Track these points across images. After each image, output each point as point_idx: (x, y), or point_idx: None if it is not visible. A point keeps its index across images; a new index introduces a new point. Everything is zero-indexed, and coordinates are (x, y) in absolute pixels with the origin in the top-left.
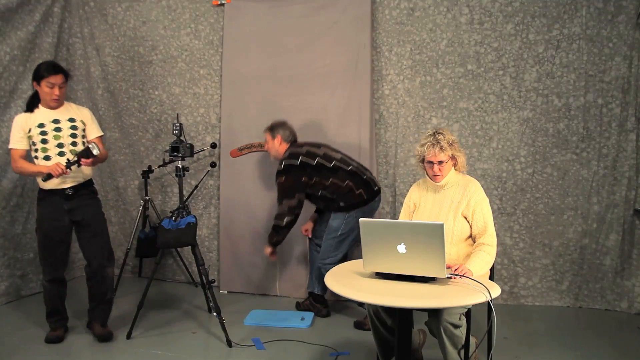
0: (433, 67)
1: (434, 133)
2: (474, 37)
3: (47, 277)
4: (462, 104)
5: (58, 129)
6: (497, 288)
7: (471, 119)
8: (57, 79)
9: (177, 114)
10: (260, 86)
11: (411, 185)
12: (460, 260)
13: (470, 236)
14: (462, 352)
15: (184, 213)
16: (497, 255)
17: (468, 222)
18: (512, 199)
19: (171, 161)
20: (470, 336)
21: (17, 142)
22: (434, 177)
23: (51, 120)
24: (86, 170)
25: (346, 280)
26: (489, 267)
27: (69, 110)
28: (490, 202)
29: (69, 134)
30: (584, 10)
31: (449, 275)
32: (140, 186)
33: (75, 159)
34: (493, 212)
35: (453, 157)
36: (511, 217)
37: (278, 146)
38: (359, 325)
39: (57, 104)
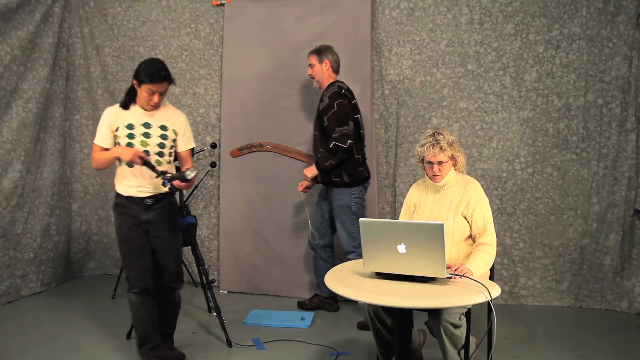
0: (433, 67)
1: (434, 133)
2: (474, 37)
3: (135, 289)
4: (462, 104)
5: (147, 135)
6: (497, 288)
7: (471, 119)
8: (160, 87)
9: None
10: (260, 86)
11: (411, 185)
12: (460, 260)
13: (470, 236)
14: (462, 352)
15: (184, 213)
16: (497, 255)
17: (468, 222)
18: (512, 199)
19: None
20: (470, 336)
21: (102, 139)
22: (433, 178)
23: (142, 123)
24: None
25: (346, 280)
26: (489, 267)
27: (164, 115)
28: (490, 202)
29: (157, 142)
30: (584, 10)
31: (449, 275)
32: None
33: (169, 176)
34: (493, 212)
35: (453, 157)
36: (511, 217)
37: (325, 71)
38: (362, 327)
39: (153, 109)
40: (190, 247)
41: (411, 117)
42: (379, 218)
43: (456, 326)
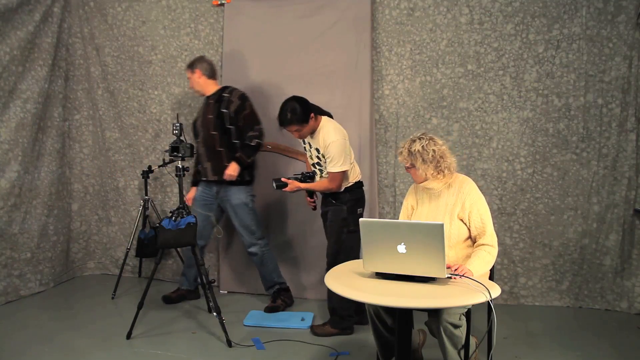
0: (433, 67)
1: (409, 140)
2: (474, 37)
3: None
4: (462, 104)
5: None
6: (497, 288)
7: (471, 119)
8: (290, 130)
9: (177, 114)
10: (260, 86)
11: (410, 186)
12: (459, 262)
13: (470, 237)
14: (462, 352)
15: (184, 213)
16: (497, 255)
17: (465, 224)
18: (512, 199)
19: (171, 161)
20: (471, 336)
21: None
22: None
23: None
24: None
25: (346, 280)
26: (490, 267)
27: (317, 138)
28: (490, 202)
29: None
30: (584, 10)
31: (449, 275)
32: (140, 186)
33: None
34: (493, 212)
35: (437, 167)
36: (511, 217)
37: (199, 79)
38: (167, 300)
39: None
40: (190, 247)
41: (411, 117)
42: (379, 218)
43: (456, 326)
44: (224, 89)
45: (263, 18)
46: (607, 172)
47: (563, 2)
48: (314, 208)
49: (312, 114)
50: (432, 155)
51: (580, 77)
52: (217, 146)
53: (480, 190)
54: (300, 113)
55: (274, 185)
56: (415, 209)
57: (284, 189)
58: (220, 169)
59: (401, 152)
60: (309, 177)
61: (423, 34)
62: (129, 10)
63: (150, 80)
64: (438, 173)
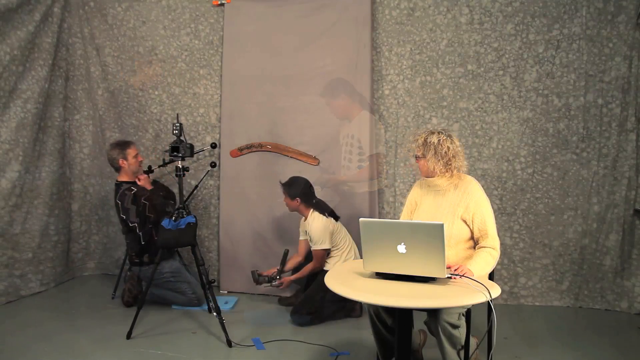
0: (433, 67)
1: (427, 132)
2: (474, 37)
3: None
4: (462, 104)
5: None
6: (497, 288)
7: (471, 119)
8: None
9: (177, 114)
10: (260, 86)
11: (412, 185)
12: (458, 263)
13: (472, 238)
14: (462, 352)
15: (184, 213)
16: None
17: (467, 225)
18: (512, 199)
19: (171, 161)
20: (471, 336)
21: None
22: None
23: None
24: None
25: (346, 280)
26: (491, 268)
27: (306, 223)
28: (490, 202)
29: None
30: (584, 10)
31: (449, 275)
32: None
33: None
34: (493, 212)
35: (447, 164)
36: (511, 217)
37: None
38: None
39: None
40: (190, 247)
41: (411, 117)
42: (379, 218)
43: (455, 326)
44: None
45: (263, 18)
46: (607, 172)
47: (563, 2)
48: (280, 285)
49: (299, 199)
50: (446, 152)
51: (580, 77)
52: None
53: None
54: (292, 190)
55: (267, 282)
56: (418, 205)
57: (273, 284)
58: None
59: (417, 140)
60: (277, 275)
61: (423, 34)
62: (129, 10)
63: (151, 80)
64: (446, 171)
